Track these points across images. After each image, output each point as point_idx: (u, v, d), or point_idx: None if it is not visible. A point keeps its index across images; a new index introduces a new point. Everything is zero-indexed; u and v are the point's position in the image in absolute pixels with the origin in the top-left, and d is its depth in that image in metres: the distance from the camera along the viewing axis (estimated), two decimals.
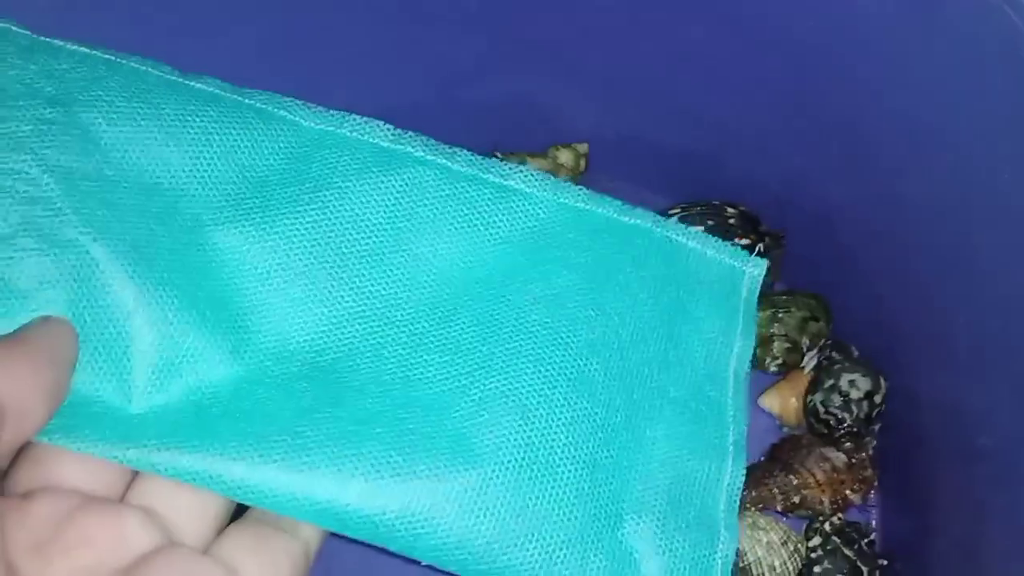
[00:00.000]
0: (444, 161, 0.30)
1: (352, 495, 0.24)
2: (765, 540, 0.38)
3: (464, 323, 0.28)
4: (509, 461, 0.26)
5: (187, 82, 0.29)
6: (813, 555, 0.38)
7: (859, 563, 0.37)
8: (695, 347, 0.30)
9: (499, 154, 0.41)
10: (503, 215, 0.30)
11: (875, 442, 0.40)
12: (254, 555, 0.24)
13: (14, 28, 0.28)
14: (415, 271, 0.29)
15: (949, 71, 0.28)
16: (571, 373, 0.28)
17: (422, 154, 0.30)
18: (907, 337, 0.34)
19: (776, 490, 0.39)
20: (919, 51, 0.29)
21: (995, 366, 0.31)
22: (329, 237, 0.28)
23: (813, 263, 0.40)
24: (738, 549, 0.38)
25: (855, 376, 0.40)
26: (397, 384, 0.27)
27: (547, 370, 0.28)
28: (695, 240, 0.31)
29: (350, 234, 0.29)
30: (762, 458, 0.42)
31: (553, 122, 0.41)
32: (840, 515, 0.39)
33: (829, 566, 0.38)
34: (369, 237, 0.29)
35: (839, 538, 0.38)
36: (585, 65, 0.38)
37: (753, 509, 0.39)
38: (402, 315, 0.28)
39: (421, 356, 0.28)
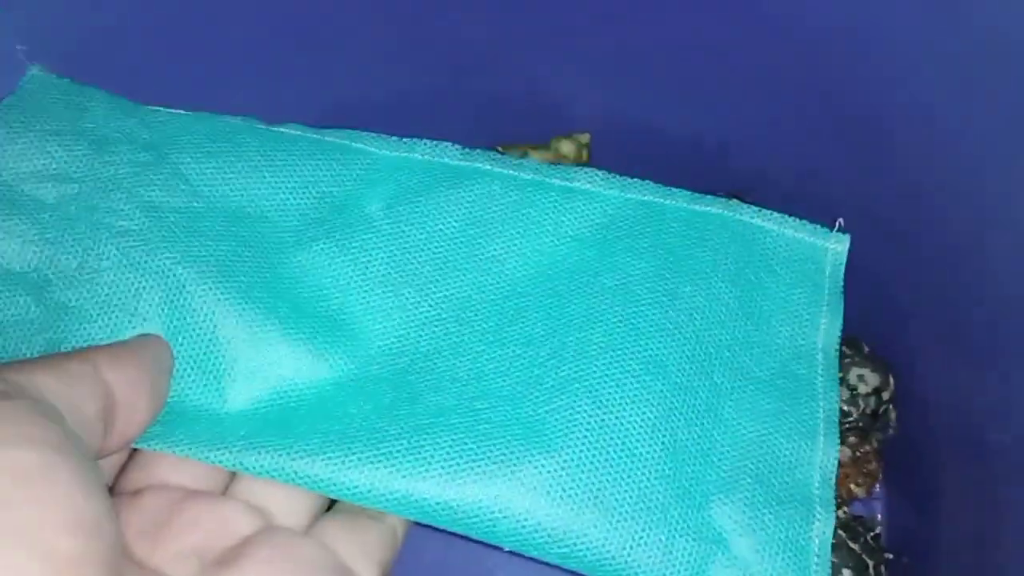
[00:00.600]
0: (510, 171, 0.32)
1: (430, 485, 0.25)
2: None
3: (535, 317, 0.29)
4: (584, 446, 0.26)
5: (270, 128, 0.32)
6: None
7: (864, 556, 0.37)
8: (778, 327, 0.30)
9: (500, 148, 0.41)
10: (570, 215, 0.31)
11: (881, 436, 0.40)
12: (348, 537, 0.26)
13: (116, 97, 0.31)
14: (486, 274, 0.30)
15: (968, 62, 0.28)
16: (645, 357, 0.28)
17: (489, 167, 0.32)
18: (918, 331, 0.34)
19: None
20: (938, 40, 0.29)
21: (1009, 362, 0.31)
22: (404, 248, 0.30)
23: None
24: None
25: (864, 371, 0.40)
26: (471, 379, 0.28)
27: (620, 356, 0.28)
28: (772, 221, 0.31)
29: (425, 244, 0.31)
30: None
31: (555, 112, 0.41)
32: (845, 509, 0.38)
33: (835, 560, 0.37)
34: (442, 246, 0.31)
35: (844, 532, 0.38)
36: (590, 51, 0.38)
37: None
38: (475, 315, 0.30)
39: (494, 351, 0.29)
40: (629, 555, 0.26)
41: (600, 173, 0.32)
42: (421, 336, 0.29)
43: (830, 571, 0.28)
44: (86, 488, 0.19)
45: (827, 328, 0.31)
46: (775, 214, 0.31)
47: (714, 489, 0.27)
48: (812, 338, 0.31)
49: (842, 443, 0.39)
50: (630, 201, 0.31)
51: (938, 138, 0.31)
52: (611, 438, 0.27)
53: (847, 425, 0.40)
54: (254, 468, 0.26)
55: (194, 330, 0.28)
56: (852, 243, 0.31)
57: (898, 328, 0.38)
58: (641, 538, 0.26)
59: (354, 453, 0.26)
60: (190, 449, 0.26)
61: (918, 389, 0.37)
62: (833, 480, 0.29)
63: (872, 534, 0.38)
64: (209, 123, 0.31)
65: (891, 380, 0.40)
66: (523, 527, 0.26)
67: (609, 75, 0.38)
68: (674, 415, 0.28)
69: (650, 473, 0.27)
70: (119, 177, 0.29)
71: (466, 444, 0.26)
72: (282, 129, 0.32)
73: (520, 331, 0.29)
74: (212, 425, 0.26)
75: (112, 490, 0.26)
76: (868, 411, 0.40)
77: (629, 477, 0.26)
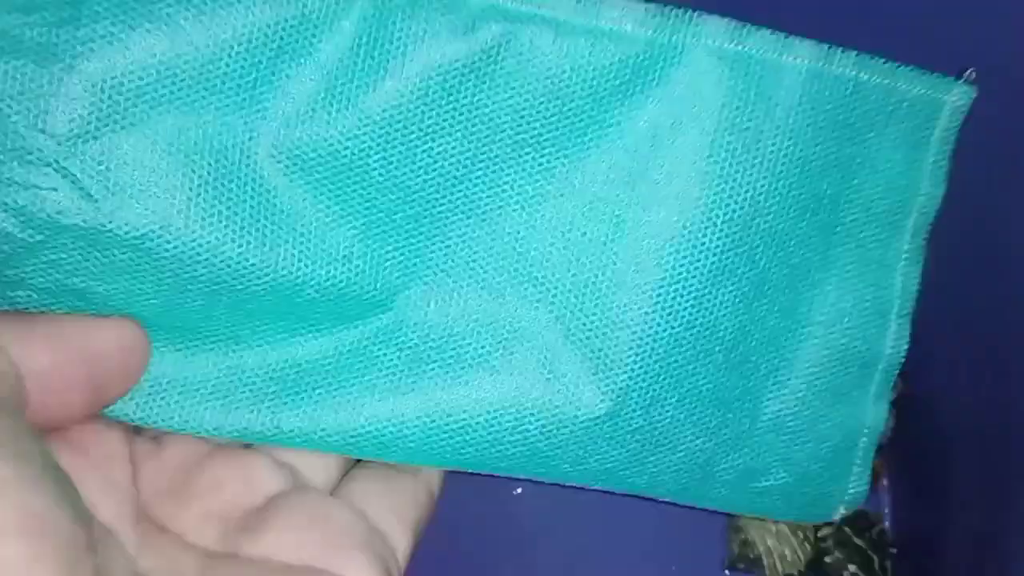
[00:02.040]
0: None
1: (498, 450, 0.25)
2: (775, 529, 0.38)
3: (575, 223, 0.25)
4: (651, 350, 0.25)
5: None
6: (823, 544, 0.38)
7: (870, 552, 0.37)
8: (874, 190, 0.27)
9: None
10: (608, 111, 0.24)
11: (888, 434, 0.40)
12: (379, 497, 0.25)
13: None
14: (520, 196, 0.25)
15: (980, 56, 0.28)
16: (707, 264, 0.25)
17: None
18: (925, 326, 0.34)
19: None
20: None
21: (1016, 357, 0.30)
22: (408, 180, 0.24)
23: None
24: (748, 539, 0.38)
25: None
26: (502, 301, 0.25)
27: (675, 271, 0.25)
28: (878, 74, 0.25)
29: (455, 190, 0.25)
30: None
31: None
32: None
33: (840, 555, 0.37)
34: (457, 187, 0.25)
35: (849, 528, 0.38)
36: None
37: None
38: (510, 231, 0.25)
39: (528, 271, 0.25)
40: (678, 473, 0.26)
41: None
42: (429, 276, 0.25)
43: (869, 475, 0.28)
44: (30, 480, 0.17)
45: (925, 201, 0.27)
46: (884, 64, 0.25)
47: (771, 399, 0.27)
48: (906, 210, 0.27)
49: None
50: (687, 48, 0.24)
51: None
52: (677, 342, 0.25)
53: None
54: (272, 434, 0.24)
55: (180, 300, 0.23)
56: None
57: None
58: (692, 452, 0.26)
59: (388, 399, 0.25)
60: (197, 423, 0.24)
61: (925, 384, 0.37)
62: (892, 381, 0.28)
63: (877, 529, 0.38)
64: None
65: (899, 382, 0.39)
66: (561, 450, 0.26)
67: None
68: (751, 300, 0.26)
69: (711, 388, 0.26)
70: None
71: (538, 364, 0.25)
72: None
73: (553, 244, 0.25)
74: (218, 389, 0.24)
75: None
76: None
77: (688, 393, 0.26)
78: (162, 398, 0.24)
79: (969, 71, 0.26)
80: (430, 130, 0.23)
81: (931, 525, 0.37)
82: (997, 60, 0.27)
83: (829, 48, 0.25)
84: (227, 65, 0.22)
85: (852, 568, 0.37)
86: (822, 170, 0.26)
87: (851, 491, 0.29)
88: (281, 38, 0.22)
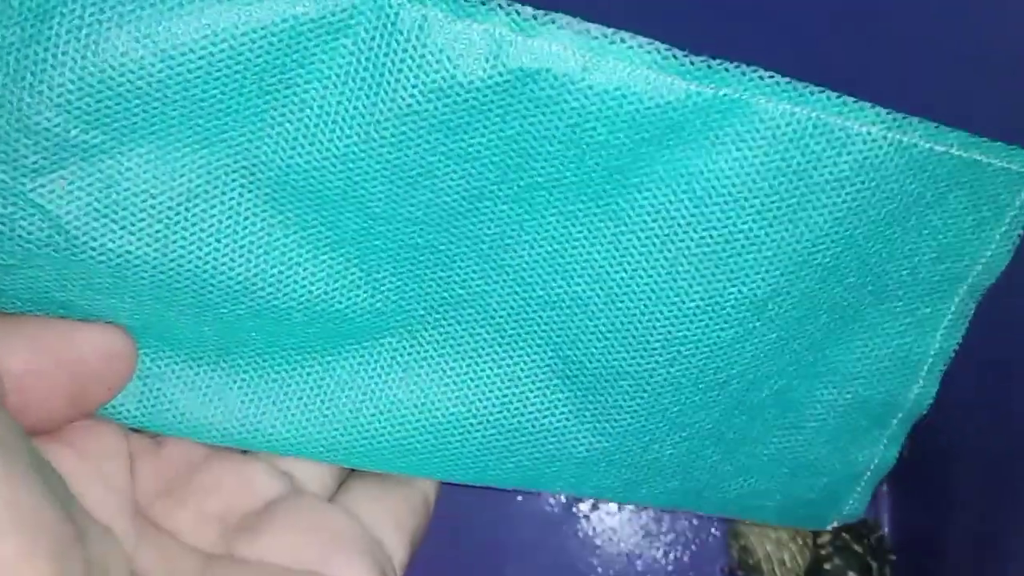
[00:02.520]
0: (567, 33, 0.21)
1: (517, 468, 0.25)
2: (773, 536, 0.38)
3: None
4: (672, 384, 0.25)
5: None
6: (822, 552, 0.38)
7: (869, 559, 0.37)
8: (924, 261, 0.25)
9: None
10: (673, 128, 0.22)
11: None
12: (376, 503, 0.25)
13: None
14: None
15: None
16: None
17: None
18: None
19: None
20: None
21: (1015, 361, 0.30)
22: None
23: None
24: (747, 546, 0.37)
25: None
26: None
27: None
28: (953, 145, 0.23)
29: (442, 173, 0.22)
30: None
31: None
32: None
33: (839, 562, 0.37)
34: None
35: (848, 534, 0.38)
36: None
37: None
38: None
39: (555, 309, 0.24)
40: (692, 482, 0.26)
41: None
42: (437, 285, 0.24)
43: (869, 496, 0.29)
44: (19, 476, 0.17)
45: (983, 270, 0.26)
46: (955, 133, 0.23)
47: (782, 426, 0.27)
48: (962, 279, 0.26)
49: None
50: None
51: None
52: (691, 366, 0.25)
53: None
54: (266, 444, 0.24)
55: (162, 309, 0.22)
56: None
57: None
58: (695, 473, 0.27)
59: (394, 428, 0.24)
60: (194, 430, 0.24)
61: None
62: (912, 422, 0.28)
63: (876, 536, 0.38)
64: None
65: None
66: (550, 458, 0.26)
67: None
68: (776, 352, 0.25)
69: (726, 412, 0.26)
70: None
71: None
72: None
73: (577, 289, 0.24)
74: (212, 396, 0.24)
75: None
76: None
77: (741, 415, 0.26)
78: (155, 403, 0.23)
79: None
80: (436, 161, 0.21)
81: (930, 529, 0.37)
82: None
83: (903, 117, 0.22)
84: (211, 88, 0.20)
85: (851, 575, 0.37)
86: (871, 238, 0.24)
87: (847, 511, 0.29)
88: (273, 56, 0.20)
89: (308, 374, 0.24)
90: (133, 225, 0.21)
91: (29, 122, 0.19)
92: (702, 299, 0.23)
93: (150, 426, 0.23)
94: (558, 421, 0.25)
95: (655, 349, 0.24)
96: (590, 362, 0.24)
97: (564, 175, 0.22)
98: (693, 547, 0.39)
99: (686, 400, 0.25)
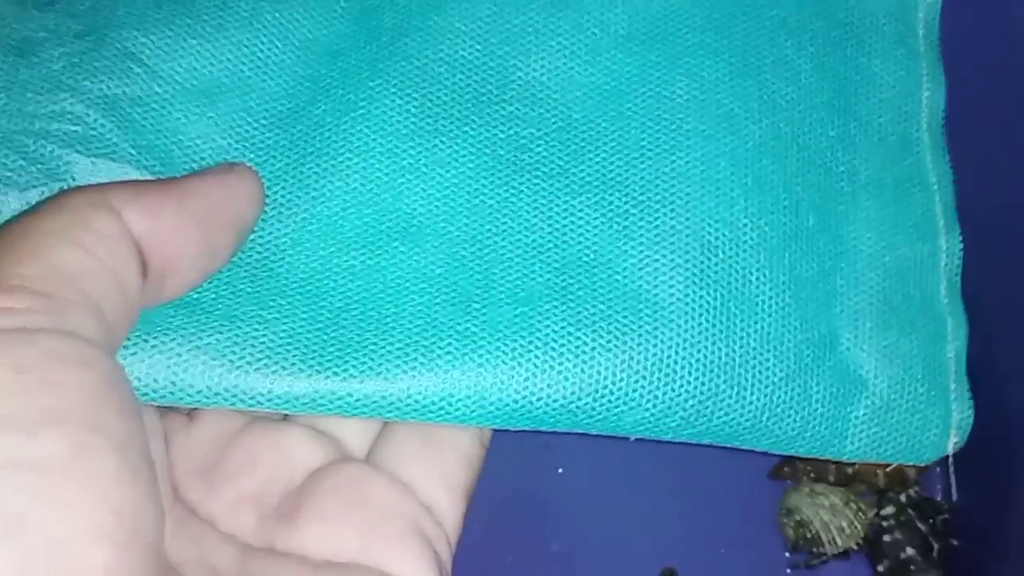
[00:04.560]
0: None
1: (541, 387, 0.22)
2: (828, 504, 0.37)
3: (605, 149, 0.24)
4: (701, 307, 0.23)
5: None
6: (884, 524, 0.37)
7: (931, 539, 0.37)
8: (876, 112, 0.27)
9: None
10: (619, 8, 0.26)
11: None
12: (423, 462, 0.23)
13: None
14: (530, 102, 0.25)
15: None
16: (747, 184, 0.24)
17: None
18: (991, 313, 0.32)
19: (830, 461, 0.37)
20: None
21: None
22: (423, 90, 0.25)
23: None
24: (802, 520, 0.37)
25: None
26: (547, 245, 0.23)
27: (718, 189, 0.24)
28: None
29: (447, 79, 0.25)
30: None
31: None
32: (918, 488, 0.38)
33: (900, 536, 0.37)
34: (469, 76, 0.25)
35: (915, 511, 0.37)
36: None
37: (807, 478, 0.38)
38: (531, 157, 0.24)
39: (565, 202, 0.24)
40: (768, 414, 0.24)
41: None
42: (471, 197, 0.24)
43: (969, 395, 0.26)
44: (129, 474, 0.15)
45: (930, 101, 0.27)
46: None
47: (842, 321, 0.25)
48: (915, 118, 0.27)
49: None
50: None
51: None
52: (729, 292, 0.24)
53: None
54: (307, 403, 0.22)
55: None
56: None
57: (970, 310, 0.36)
58: (779, 396, 0.24)
59: (443, 366, 0.22)
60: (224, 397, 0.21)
61: (991, 372, 0.35)
62: (958, 285, 0.27)
63: (942, 518, 0.37)
64: None
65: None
66: (652, 413, 0.23)
67: None
68: (790, 244, 0.25)
69: (776, 320, 0.24)
70: (54, 75, 0.23)
71: (570, 333, 0.22)
72: None
73: (591, 171, 0.24)
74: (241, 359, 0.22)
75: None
76: None
77: (756, 331, 0.24)
78: (157, 362, 0.21)
79: None
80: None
81: (992, 522, 0.36)
82: None
83: None
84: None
85: (909, 552, 0.37)
86: (826, 75, 0.26)
87: (956, 415, 0.27)
88: None
89: (360, 322, 0.23)
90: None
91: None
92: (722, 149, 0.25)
93: (185, 396, 0.21)
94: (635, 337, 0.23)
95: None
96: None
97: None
98: (744, 527, 0.38)
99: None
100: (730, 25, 0.26)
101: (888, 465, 0.37)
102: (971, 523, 0.37)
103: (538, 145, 0.24)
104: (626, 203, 0.24)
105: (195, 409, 0.23)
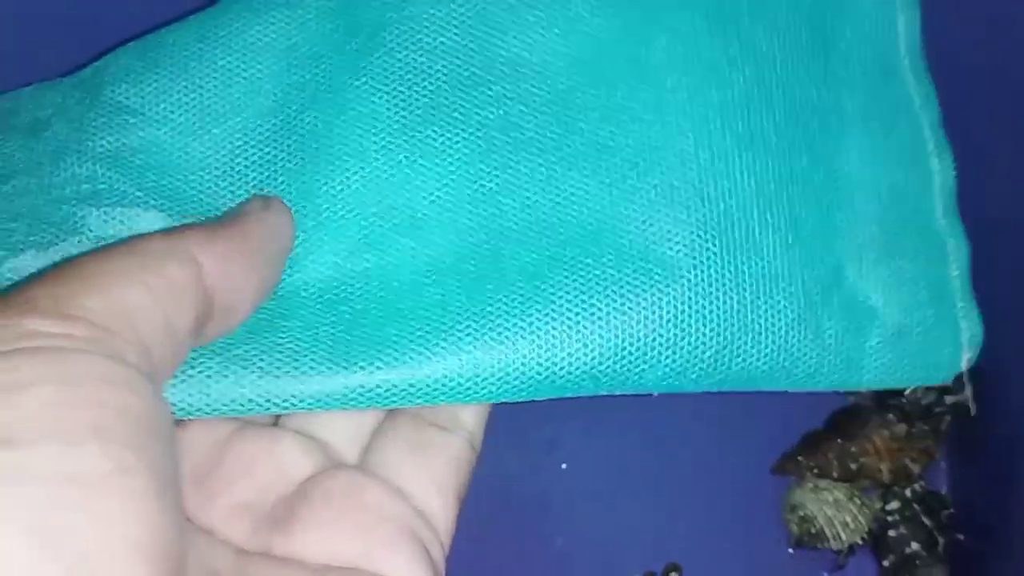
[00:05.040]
0: None
1: (563, 356, 0.23)
2: (831, 499, 0.37)
3: (594, 117, 0.25)
4: (708, 257, 0.24)
5: (188, 18, 0.26)
6: (889, 519, 0.37)
7: (936, 533, 0.37)
8: (855, 45, 0.27)
9: None
10: None
11: (949, 418, 0.38)
12: (415, 468, 0.23)
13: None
14: (515, 79, 0.25)
15: None
16: (738, 132, 0.25)
17: None
18: (996, 310, 0.32)
19: (833, 457, 0.38)
20: None
21: None
22: (408, 82, 0.25)
23: None
24: (806, 515, 0.37)
25: None
26: (550, 219, 0.24)
27: (711, 141, 0.25)
28: None
29: (430, 68, 0.25)
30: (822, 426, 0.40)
31: None
32: (923, 483, 0.38)
33: (905, 531, 0.37)
34: (452, 62, 0.25)
35: (919, 505, 0.37)
36: None
37: (810, 474, 0.38)
38: (523, 134, 0.25)
39: (563, 174, 0.24)
40: (784, 355, 0.24)
41: None
42: (470, 183, 0.24)
43: (977, 311, 0.27)
44: (164, 495, 0.16)
45: (906, 28, 0.28)
46: None
47: (846, 255, 0.25)
48: (893, 45, 0.27)
49: (899, 420, 0.38)
50: None
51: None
52: (733, 240, 0.24)
53: (900, 404, 0.39)
54: (315, 401, 0.22)
55: None
56: None
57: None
58: (793, 338, 0.24)
59: (453, 341, 0.22)
60: (225, 403, 0.22)
61: (993, 369, 0.35)
62: (954, 205, 0.27)
63: (948, 512, 0.37)
64: (134, 49, 0.26)
65: (968, 391, 0.37)
66: (672, 368, 0.23)
67: None
68: (786, 186, 0.25)
69: (783, 261, 0.24)
70: (61, 143, 0.24)
71: (585, 300, 0.23)
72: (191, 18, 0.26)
73: (583, 141, 0.24)
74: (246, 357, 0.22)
75: None
76: (923, 403, 0.38)
77: (764, 275, 0.24)
78: (191, 378, 0.22)
79: None
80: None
81: (993, 518, 0.36)
82: None
83: None
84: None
85: (915, 546, 0.37)
86: (802, 13, 0.26)
87: (967, 332, 0.27)
88: None
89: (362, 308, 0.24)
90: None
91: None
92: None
93: (186, 407, 0.22)
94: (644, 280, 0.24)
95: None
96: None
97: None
98: (747, 523, 0.38)
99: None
100: None
101: (893, 460, 0.37)
102: (976, 518, 0.37)
103: (528, 122, 0.25)
104: (623, 167, 0.24)
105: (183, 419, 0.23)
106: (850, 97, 0.27)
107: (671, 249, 0.24)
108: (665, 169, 0.24)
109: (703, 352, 0.23)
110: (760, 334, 0.24)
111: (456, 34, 0.25)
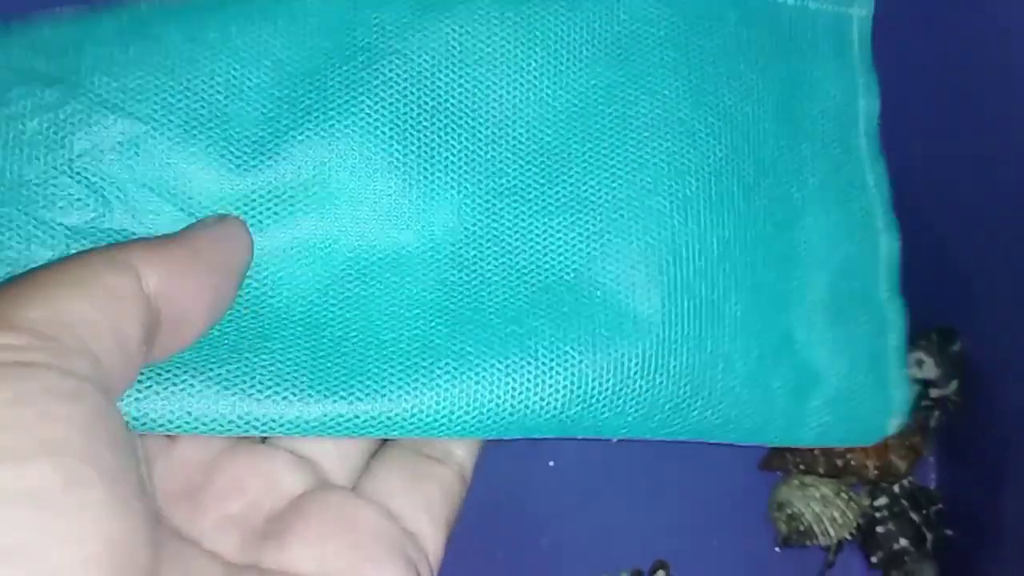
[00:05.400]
0: None
1: (534, 400, 0.23)
2: (819, 495, 0.37)
3: (577, 171, 0.25)
4: (678, 315, 0.25)
5: (178, 3, 0.25)
6: (877, 515, 0.37)
7: (924, 529, 0.37)
8: (819, 121, 0.28)
9: None
10: (579, 31, 0.26)
11: (938, 413, 0.38)
12: (407, 493, 0.24)
13: None
14: (504, 124, 0.25)
15: None
16: (711, 198, 0.26)
17: None
18: (984, 307, 0.32)
19: (819, 452, 0.38)
20: None
21: None
22: (402, 113, 0.25)
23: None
24: (794, 513, 0.37)
25: (927, 360, 0.38)
26: (529, 267, 0.25)
27: (686, 203, 0.26)
28: None
29: (424, 102, 0.25)
30: None
31: None
32: (911, 479, 0.37)
33: (893, 528, 0.37)
34: (445, 99, 0.25)
35: (908, 501, 0.37)
36: None
37: (796, 470, 0.38)
38: (508, 181, 0.25)
39: (544, 223, 0.25)
40: (736, 411, 0.25)
41: None
42: (454, 224, 0.24)
43: (907, 380, 0.28)
44: (126, 504, 0.16)
45: (866, 111, 0.29)
46: None
47: (797, 321, 0.27)
48: (854, 126, 0.29)
49: None
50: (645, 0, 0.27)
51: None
52: (700, 298, 0.25)
53: None
54: (294, 426, 0.22)
55: None
56: (918, 212, 0.29)
57: (964, 304, 0.37)
58: (743, 394, 0.25)
59: (437, 384, 0.23)
60: (211, 423, 0.21)
61: (982, 367, 0.35)
62: (897, 280, 0.29)
63: (936, 508, 0.37)
64: (115, 34, 0.24)
65: (954, 384, 0.37)
66: (633, 417, 0.24)
67: None
68: (751, 251, 0.26)
69: (742, 325, 0.26)
70: (31, 136, 0.23)
71: (559, 347, 0.23)
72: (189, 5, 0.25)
73: (565, 193, 0.25)
74: (228, 382, 0.22)
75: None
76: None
77: (724, 334, 0.25)
78: (172, 395, 0.21)
79: None
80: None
81: (983, 511, 0.36)
82: None
83: None
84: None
85: (903, 542, 0.37)
86: (775, 88, 0.28)
87: (897, 399, 0.29)
88: None
89: (350, 335, 0.24)
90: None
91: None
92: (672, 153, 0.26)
93: (168, 423, 0.21)
94: (601, 325, 0.25)
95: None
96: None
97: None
98: (734, 520, 0.38)
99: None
100: (687, 42, 0.27)
101: (880, 457, 0.37)
102: (964, 514, 0.37)
103: (514, 168, 0.25)
104: (601, 223, 0.25)
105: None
106: (812, 172, 0.28)
107: (643, 306, 0.25)
108: (642, 228, 0.25)
109: (664, 403, 0.24)
110: (716, 391, 0.25)
111: (453, 73, 0.25)
